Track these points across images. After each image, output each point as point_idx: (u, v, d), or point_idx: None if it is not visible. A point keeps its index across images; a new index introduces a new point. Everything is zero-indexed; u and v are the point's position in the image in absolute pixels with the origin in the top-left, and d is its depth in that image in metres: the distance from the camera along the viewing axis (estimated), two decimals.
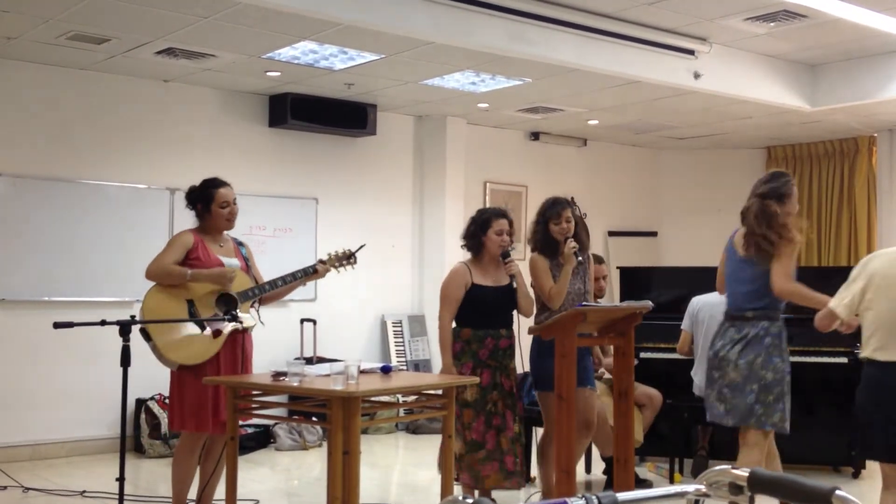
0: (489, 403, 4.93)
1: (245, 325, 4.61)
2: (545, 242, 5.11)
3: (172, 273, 4.49)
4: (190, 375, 4.49)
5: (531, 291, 5.17)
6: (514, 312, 5.13)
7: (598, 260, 5.90)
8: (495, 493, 5.00)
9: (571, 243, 5.01)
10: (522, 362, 5.17)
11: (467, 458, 4.89)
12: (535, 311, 5.21)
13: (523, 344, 5.17)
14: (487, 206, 9.18)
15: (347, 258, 4.88)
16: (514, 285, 5.05)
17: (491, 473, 4.91)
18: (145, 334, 4.38)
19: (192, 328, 4.50)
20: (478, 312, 4.98)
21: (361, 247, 4.99)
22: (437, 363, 5.94)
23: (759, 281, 4.43)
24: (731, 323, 4.52)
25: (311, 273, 4.77)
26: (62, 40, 6.24)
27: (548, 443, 5.15)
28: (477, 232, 5.05)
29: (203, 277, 4.52)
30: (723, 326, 4.58)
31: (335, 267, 4.86)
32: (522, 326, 5.10)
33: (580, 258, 5.02)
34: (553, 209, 5.10)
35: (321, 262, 4.84)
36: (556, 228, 5.07)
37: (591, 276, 5.29)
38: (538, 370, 5.09)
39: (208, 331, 4.51)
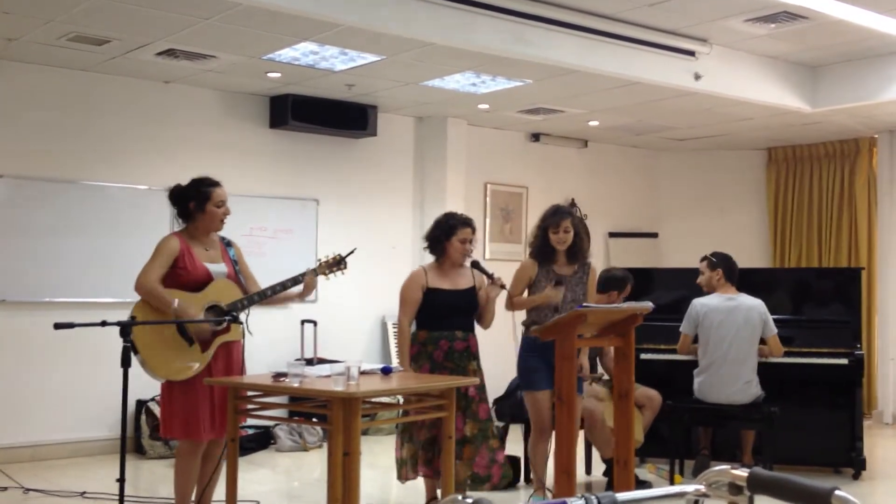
0: None
1: (232, 337, 4.52)
2: (541, 249, 5.24)
3: (161, 301, 4.34)
4: (179, 386, 4.43)
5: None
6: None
7: (622, 284, 6.00)
8: (495, 494, 5.00)
9: (558, 292, 5.09)
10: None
11: (418, 456, 5.01)
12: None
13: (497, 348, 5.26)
14: (486, 207, 9.24)
15: (337, 264, 4.77)
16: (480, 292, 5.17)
17: (430, 473, 5.05)
18: (133, 347, 4.18)
19: (180, 342, 4.41)
20: (433, 315, 5.11)
21: (352, 251, 4.85)
22: None
23: None
24: None
25: (300, 281, 4.64)
26: (63, 42, 6.24)
27: (533, 442, 5.28)
28: (441, 237, 5.17)
29: (186, 319, 4.35)
30: None
31: (325, 274, 4.75)
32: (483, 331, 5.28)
33: (555, 303, 5.09)
34: (553, 218, 5.20)
35: (312, 270, 4.71)
36: (554, 237, 5.16)
37: (592, 286, 5.33)
38: (520, 369, 5.26)
39: (197, 345, 4.42)
